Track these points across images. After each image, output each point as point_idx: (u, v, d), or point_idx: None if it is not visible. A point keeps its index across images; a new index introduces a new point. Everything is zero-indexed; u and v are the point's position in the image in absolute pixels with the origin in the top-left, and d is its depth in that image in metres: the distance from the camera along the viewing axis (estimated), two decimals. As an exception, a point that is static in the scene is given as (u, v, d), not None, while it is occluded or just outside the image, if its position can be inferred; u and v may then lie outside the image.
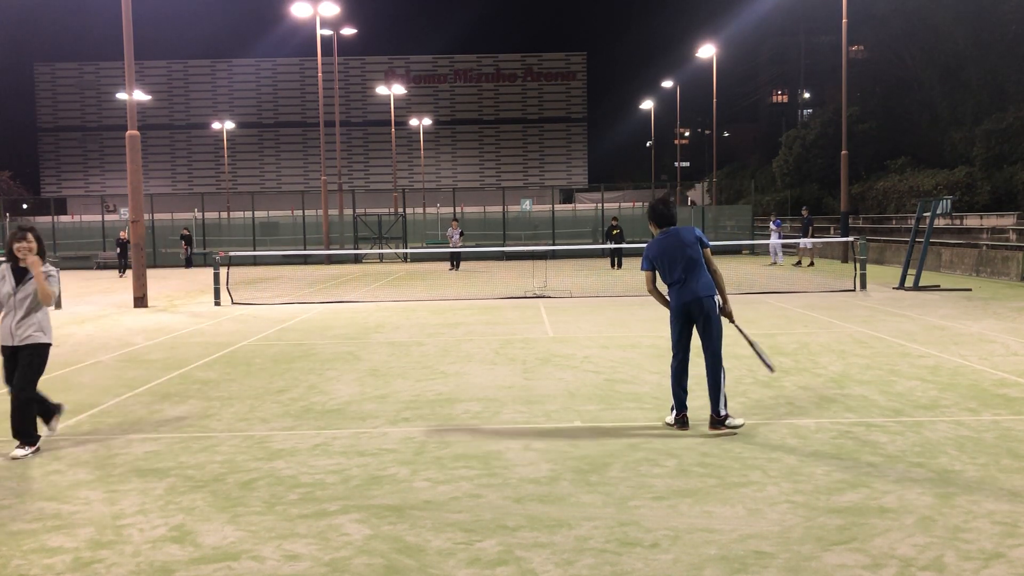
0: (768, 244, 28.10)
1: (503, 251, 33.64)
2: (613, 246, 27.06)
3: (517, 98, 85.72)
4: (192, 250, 34.52)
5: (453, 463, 5.86)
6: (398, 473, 5.67)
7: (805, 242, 26.57)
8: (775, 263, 27.41)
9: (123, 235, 29.45)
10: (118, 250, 29.70)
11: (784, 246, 28.46)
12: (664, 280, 6.76)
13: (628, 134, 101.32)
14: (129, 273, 28.62)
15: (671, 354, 6.85)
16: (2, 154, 74.39)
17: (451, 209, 40.41)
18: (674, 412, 6.76)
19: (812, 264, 26.80)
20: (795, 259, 27.86)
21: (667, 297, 6.79)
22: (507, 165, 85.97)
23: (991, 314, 13.43)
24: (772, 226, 28.22)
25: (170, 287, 23.29)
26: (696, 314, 6.57)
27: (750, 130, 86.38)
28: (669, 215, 6.79)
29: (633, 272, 25.12)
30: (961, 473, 5.42)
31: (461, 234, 28.92)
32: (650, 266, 6.79)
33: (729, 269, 25.77)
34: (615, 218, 29.05)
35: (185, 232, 34.91)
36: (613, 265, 27.76)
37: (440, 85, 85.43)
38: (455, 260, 29.25)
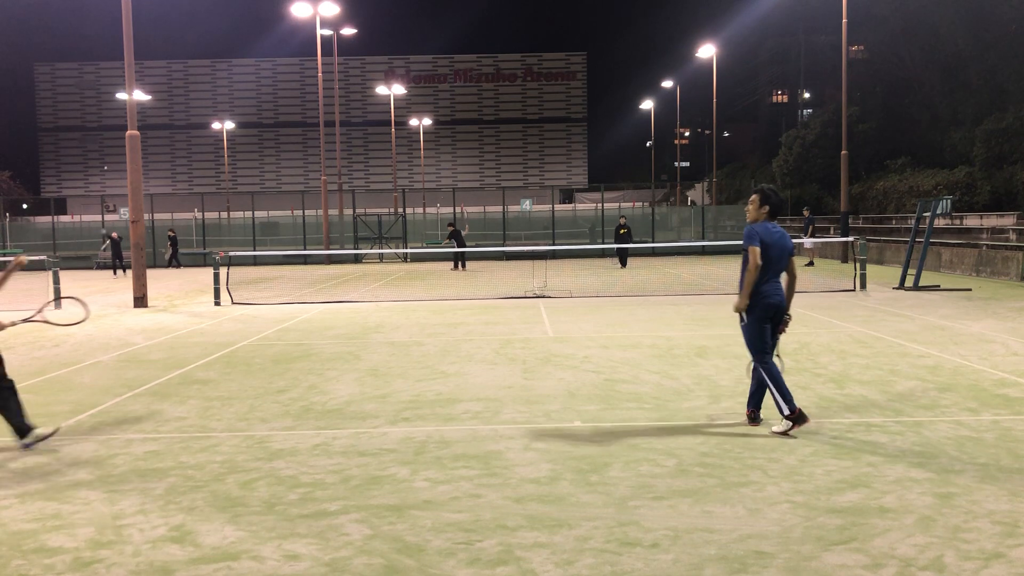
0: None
1: (503, 251, 33.64)
2: (620, 246, 27.06)
3: (517, 98, 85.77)
4: (177, 251, 34.16)
5: (453, 463, 5.86)
6: (398, 473, 5.67)
7: (807, 242, 26.60)
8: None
9: (114, 235, 29.37)
10: (110, 250, 29.40)
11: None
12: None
13: (628, 134, 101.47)
14: (123, 273, 28.59)
15: (758, 356, 6.45)
16: (2, 154, 74.46)
17: (451, 209, 40.42)
18: (788, 409, 6.37)
19: (811, 264, 26.81)
20: (805, 260, 27.83)
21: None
22: (507, 165, 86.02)
23: (991, 314, 13.43)
24: None
25: (170, 287, 23.29)
26: (776, 319, 6.42)
27: (750, 130, 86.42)
28: (782, 207, 6.54)
29: (634, 272, 25.12)
30: (961, 473, 5.41)
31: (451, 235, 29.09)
32: (760, 246, 6.32)
33: (730, 269, 25.77)
34: (623, 217, 29.10)
35: (171, 233, 34.60)
36: (624, 264, 27.80)
37: (440, 85, 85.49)
38: (457, 260, 29.32)
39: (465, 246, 28.76)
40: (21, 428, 6.40)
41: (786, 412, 6.34)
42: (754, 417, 6.70)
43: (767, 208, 6.46)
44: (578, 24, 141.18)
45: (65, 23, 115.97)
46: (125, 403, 8.11)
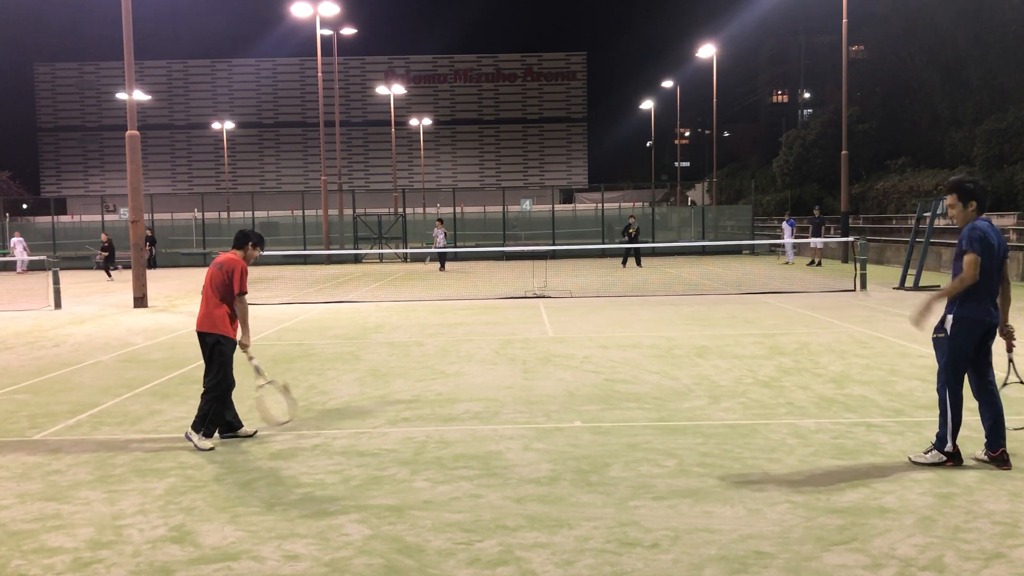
0: (782, 243, 28.38)
1: (503, 251, 33.63)
2: (629, 245, 27.09)
3: (517, 98, 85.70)
4: (155, 251, 33.53)
5: (453, 463, 5.86)
6: (398, 473, 5.67)
7: (816, 241, 26.62)
8: (789, 262, 27.60)
9: (104, 237, 29.02)
10: (104, 254, 28.56)
11: (795, 246, 28.64)
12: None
13: (628, 134, 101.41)
14: (117, 275, 28.09)
15: (950, 378, 5.54)
16: (2, 154, 74.33)
17: (451, 209, 40.42)
18: (950, 445, 5.49)
19: (819, 264, 26.80)
20: (809, 259, 27.91)
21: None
22: (507, 165, 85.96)
23: (991, 314, 13.41)
24: (785, 225, 28.39)
25: (170, 287, 23.29)
26: (990, 339, 5.52)
27: (750, 130, 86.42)
28: (988, 196, 5.37)
29: (634, 272, 25.09)
30: (961, 473, 5.41)
31: (446, 235, 28.81)
32: (981, 251, 5.24)
33: (730, 269, 25.77)
34: (633, 216, 29.11)
35: (148, 232, 33.98)
36: (625, 263, 27.82)
37: (440, 85, 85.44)
38: (440, 261, 29.21)
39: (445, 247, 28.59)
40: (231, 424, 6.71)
41: (947, 447, 5.49)
42: (1004, 458, 5.45)
43: (974, 203, 5.39)
44: (578, 24, 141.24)
45: (65, 23, 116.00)
46: (125, 403, 8.10)
